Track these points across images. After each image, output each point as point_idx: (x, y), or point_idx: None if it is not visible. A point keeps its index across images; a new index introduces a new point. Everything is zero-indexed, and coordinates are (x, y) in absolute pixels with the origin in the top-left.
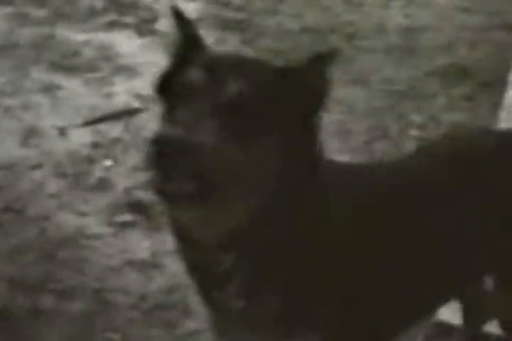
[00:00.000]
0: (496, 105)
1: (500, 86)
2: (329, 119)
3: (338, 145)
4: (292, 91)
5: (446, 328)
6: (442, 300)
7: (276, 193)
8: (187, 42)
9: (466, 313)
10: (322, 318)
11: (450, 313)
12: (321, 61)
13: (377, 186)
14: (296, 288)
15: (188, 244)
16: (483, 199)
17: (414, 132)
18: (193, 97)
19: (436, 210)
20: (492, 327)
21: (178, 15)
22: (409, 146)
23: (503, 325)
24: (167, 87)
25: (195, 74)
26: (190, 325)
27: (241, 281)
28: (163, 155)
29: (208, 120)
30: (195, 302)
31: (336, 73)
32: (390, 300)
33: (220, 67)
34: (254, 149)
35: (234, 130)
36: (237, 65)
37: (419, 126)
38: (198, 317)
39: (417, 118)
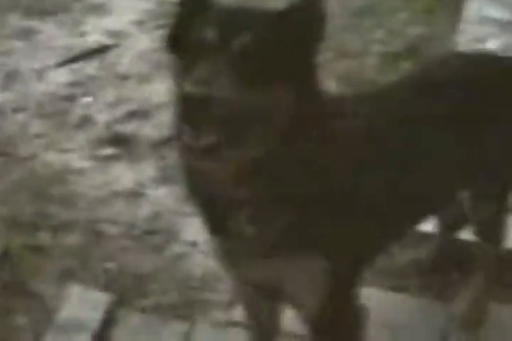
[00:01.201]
0: (456, 18)
1: None
2: None
3: None
4: (294, 32)
5: (421, 236)
6: (428, 214)
7: (286, 131)
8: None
9: (441, 222)
10: (323, 239)
11: (426, 222)
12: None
13: (370, 115)
14: (300, 215)
15: (204, 181)
16: (459, 122)
17: (376, 48)
18: (206, 54)
19: (419, 134)
20: (465, 234)
21: None
22: (373, 62)
23: (477, 232)
24: (178, 44)
25: (205, 33)
26: (177, 248)
27: (252, 209)
28: (190, 111)
29: (223, 74)
30: (179, 227)
31: None
32: (382, 218)
33: (227, 23)
34: (267, 93)
35: (247, 78)
36: (242, 18)
37: (381, 41)
38: (184, 241)
39: (378, 34)
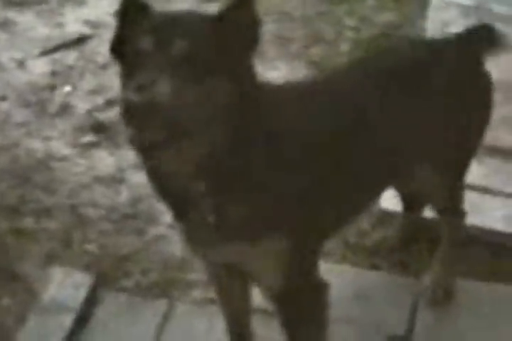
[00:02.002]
0: (424, 4)
1: None
2: (267, 28)
3: (277, 51)
4: (229, 34)
5: (388, 215)
6: (381, 190)
7: (231, 125)
8: (133, 5)
9: (405, 201)
10: (284, 221)
11: (391, 202)
12: (245, 4)
13: (315, 102)
14: (257, 201)
15: (164, 177)
16: (416, 102)
17: (348, 34)
18: (144, 62)
19: (375, 112)
20: (428, 212)
21: None
22: (345, 48)
23: (436, 210)
24: (120, 50)
25: (142, 42)
26: (156, 231)
27: (212, 200)
28: (133, 118)
29: (161, 80)
30: (159, 210)
31: None
32: (337, 196)
33: (163, 30)
34: (205, 90)
35: (185, 80)
36: (177, 25)
37: (352, 28)
38: (162, 224)
39: (350, 21)
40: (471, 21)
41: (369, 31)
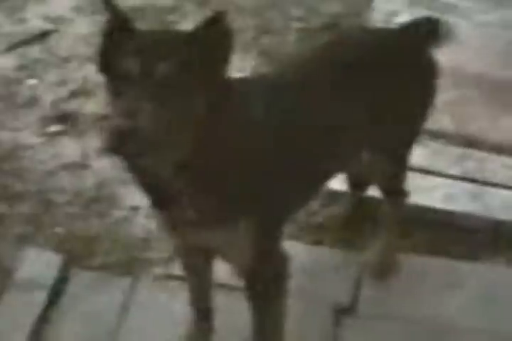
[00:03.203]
0: None
1: None
2: None
3: None
4: (206, 51)
5: (335, 195)
6: (334, 173)
7: (204, 131)
8: (117, 23)
9: (351, 181)
10: (251, 206)
11: (339, 182)
12: (218, 20)
13: (276, 95)
14: (228, 190)
15: (146, 177)
16: (361, 93)
17: (296, 25)
18: (131, 84)
19: (326, 104)
20: (372, 191)
21: (108, 5)
22: (293, 38)
23: (379, 189)
24: (106, 67)
25: (129, 63)
26: (119, 213)
27: (189, 194)
28: (119, 143)
29: (146, 105)
30: (121, 194)
31: None
32: (297, 181)
33: (147, 53)
34: (185, 110)
35: (168, 103)
36: (160, 46)
37: (300, 18)
38: (125, 207)
39: (297, 11)
40: (417, 11)
41: (315, 22)
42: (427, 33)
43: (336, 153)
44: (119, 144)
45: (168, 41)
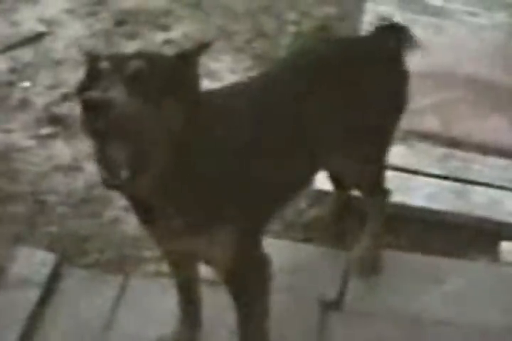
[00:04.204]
0: None
1: None
2: (212, 22)
3: (222, 45)
4: (175, 71)
5: (322, 194)
6: (311, 174)
7: (179, 144)
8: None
9: (334, 181)
10: (230, 212)
11: (325, 182)
12: (196, 52)
13: (248, 103)
14: (207, 199)
15: (131, 197)
16: (331, 95)
17: (290, 28)
18: (103, 76)
19: (295, 114)
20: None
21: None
22: (286, 41)
23: (359, 190)
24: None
25: (102, 64)
26: (111, 213)
27: (172, 207)
28: (88, 109)
29: (118, 86)
30: (113, 195)
31: None
32: (273, 184)
33: (121, 56)
34: (157, 108)
35: (139, 93)
36: (134, 54)
37: (294, 22)
38: (116, 207)
39: (291, 15)
40: (407, 14)
41: (309, 25)
42: (394, 40)
43: (308, 157)
44: (92, 121)
45: (143, 52)
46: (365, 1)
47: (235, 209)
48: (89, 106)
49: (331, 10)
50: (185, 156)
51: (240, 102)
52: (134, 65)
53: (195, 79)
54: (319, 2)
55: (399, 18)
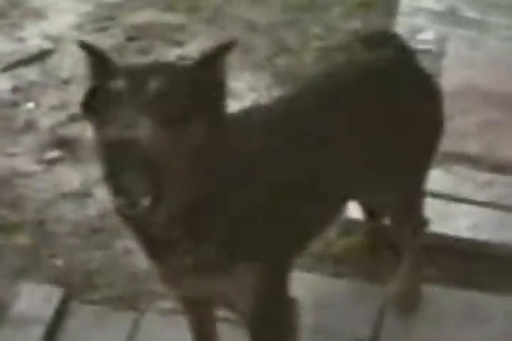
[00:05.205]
0: (391, 11)
1: None
2: (229, 38)
3: (241, 61)
4: (199, 83)
5: (353, 224)
6: (342, 206)
7: (206, 171)
8: (100, 65)
9: (366, 211)
10: (255, 250)
11: (356, 211)
12: (218, 53)
13: (275, 126)
14: (232, 235)
15: (141, 229)
16: (364, 125)
17: (314, 43)
18: (121, 100)
19: (328, 138)
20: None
21: (86, 47)
22: (311, 57)
23: (393, 221)
24: (93, 103)
25: (117, 83)
26: (123, 244)
27: (188, 242)
28: (114, 155)
29: (141, 118)
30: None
31: None
32: (305, 219)
33: (138, 72)
34: (185, 133)
35: (164, 119)
36: (152, 68)
37: (318, 37)
38: (129, 237)
39: (316, 29)
40: (442, 27)
41: (334, 40)
42: (397, 51)
43: (339, 191)
44: (117, 160)
45: (161, 66)
46: (395, 13)
47: (261, 245)
48: (112, 145)
49: (357, 24)
50: (210, 185)
51: (266, 130)
52: (155, 85)
53: (221, 89)
54: (346, 16)
55: (433, 31)
